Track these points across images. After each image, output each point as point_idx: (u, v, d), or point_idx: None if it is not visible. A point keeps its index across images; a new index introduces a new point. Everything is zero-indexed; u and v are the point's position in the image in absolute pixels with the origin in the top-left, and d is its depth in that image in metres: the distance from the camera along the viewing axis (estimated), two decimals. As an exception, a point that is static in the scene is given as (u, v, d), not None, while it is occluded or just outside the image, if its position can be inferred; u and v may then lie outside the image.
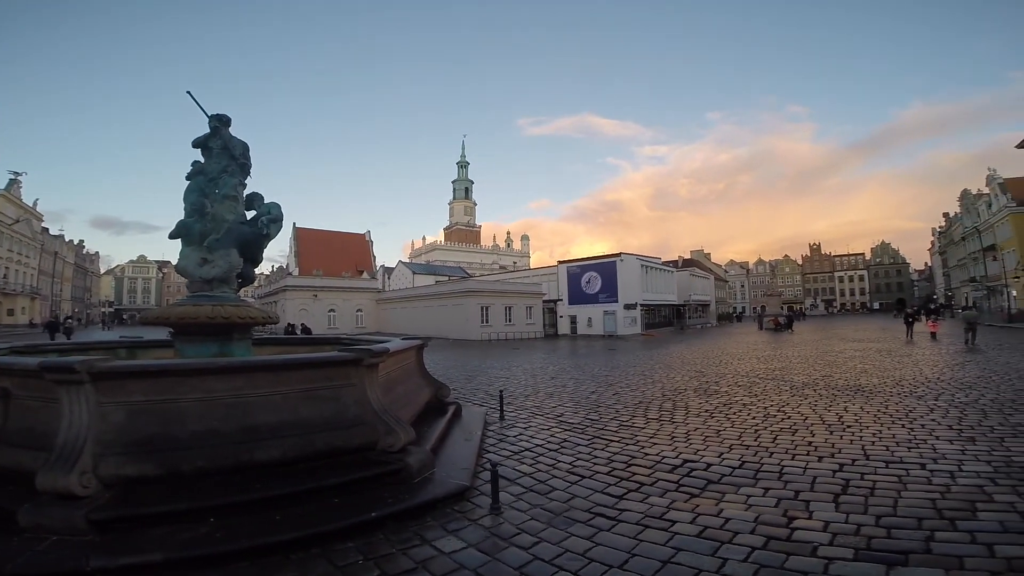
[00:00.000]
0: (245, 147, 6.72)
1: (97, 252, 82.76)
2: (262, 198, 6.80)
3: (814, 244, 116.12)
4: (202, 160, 6.62)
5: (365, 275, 60.74)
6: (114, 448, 3.79)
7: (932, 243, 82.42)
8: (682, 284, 56.62)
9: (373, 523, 3.74)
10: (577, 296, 45.99)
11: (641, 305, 43.66)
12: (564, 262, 49.12)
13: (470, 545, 3.53)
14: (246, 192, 6.78)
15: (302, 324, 35.62)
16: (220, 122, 6.52)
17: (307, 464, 4.31)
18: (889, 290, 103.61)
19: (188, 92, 6.43)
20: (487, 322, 39.09)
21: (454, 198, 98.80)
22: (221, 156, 6.48)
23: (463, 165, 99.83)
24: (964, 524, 3.51)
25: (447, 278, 58.40)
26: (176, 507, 3.62)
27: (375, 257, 68.25)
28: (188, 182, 6.46)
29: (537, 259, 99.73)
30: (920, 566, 2.98)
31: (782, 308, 49.97)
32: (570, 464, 5.46)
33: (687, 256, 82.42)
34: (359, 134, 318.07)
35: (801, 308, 62.38)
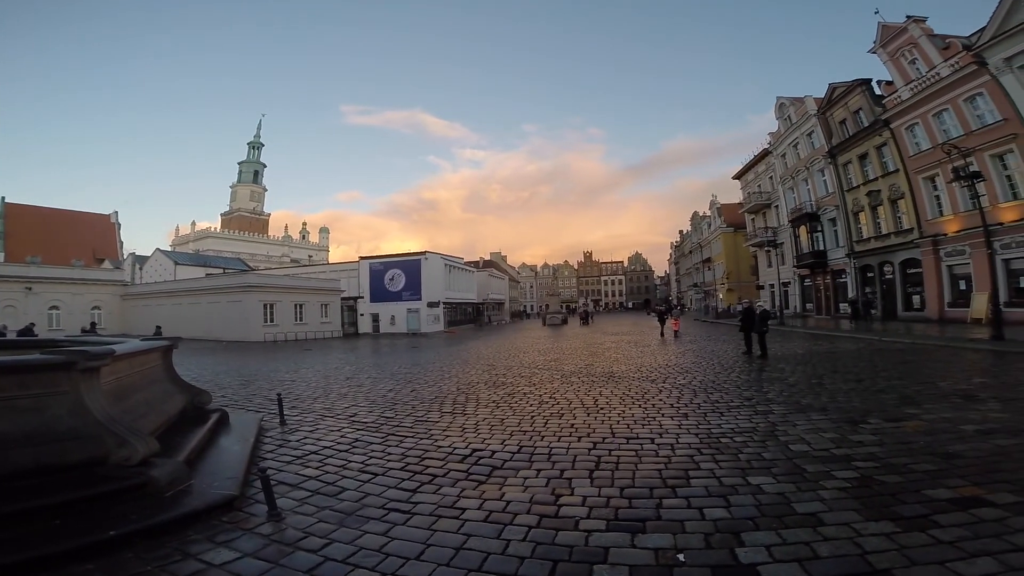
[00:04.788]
0: None
1: None
2: None
3: (587, 252, 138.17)
4: None
5: (107, 264, 48.91)
6: None
7: (670, 255, 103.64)
8: (481, 283, 59.83)
9: (114, 542, 3.36)
10: (380, 294, 44.77)
11: (444, 303, 44.72)
12: (366, 258, 47.36)
13: (246, 554, 3.31)
14: None
15: (3, 325, 26.68)
16: None
17: (8, 485, 3.73)
18: (640, 292, 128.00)
19: None
20: (272, 321, 35.10)
21: (239, 181, 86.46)
22: None
23: (256, 146, 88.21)
24: (682, 491, 4.09)
25: (222, 270, 50.67)
26: None
27: (123, 243, 55.57)
28: None
29: (342, 253, 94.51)
30: (655, 532, 3.41)
31: (561, 307, 56.74)
32: (362, 463, 5.25)
33: (487, 257, 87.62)
34: (118, 96, 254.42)
35: (577, 306, 71.74)
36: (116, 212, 56.18)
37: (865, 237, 28.85)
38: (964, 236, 21.47)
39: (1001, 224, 19.22)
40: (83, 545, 3.28)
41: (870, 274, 28.81)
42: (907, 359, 11.67)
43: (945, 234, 22.78)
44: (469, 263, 60.21)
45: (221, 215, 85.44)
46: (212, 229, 77.15)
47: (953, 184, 19.28)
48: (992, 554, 2.86)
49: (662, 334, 23.63)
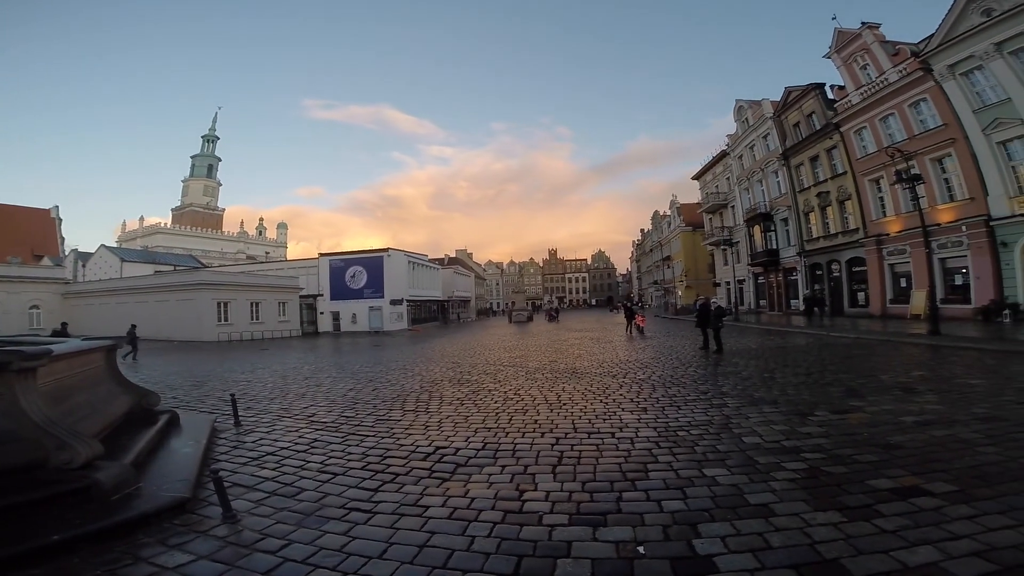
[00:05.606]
0: None
1: None
2: None
3: (553, 250, 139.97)
4: None
5: (47, 261, 45.97)
6: None
7: (632, 253, 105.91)
8: (446, 281, 59.37)
9: (59, 547, 3.26)
10: (341, 291, 43.78)
11: (408, 301, 44.13)
12: (326, 255, 46.23)
13: (201, 557, 3.24)
14: None
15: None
16: None
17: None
18: (603, 290, 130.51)
19: None
20: (226, 320, 33.78)
21: (192, 175, 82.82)
22: None
23: (210, 139, 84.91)
24: (641, 484, 4.16)
25: (172, 268, 48.43)
26: None
27: (64, 239, 52.40)
28: None
29: (301, 250, 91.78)
30: (615, 525, 3.46)
31: (527, 304, 57.05)
32: (321, 463, 5.13)
33: (453, 255, 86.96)
34: (62, 88, 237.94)
35: (543, 303, 72.34)
36: (57, 207, 52.95)
37: (815, 236, 30.19)
38: (905, 236, 22.79)
39: (939, 225, 20.50)
40: (26, 551, 3.19)
41: (819, 272, 30.18)
42: (852, 353, 12.28)
43: (888, 234, 24.10)
44: (434, 260, 59.53)
45: (172, 210, 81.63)
46: (162, 225, 73.49)
47: (896, 186, 20.38)
48: (932, 543, 2.99)
49: (630, 330, 23.39)
